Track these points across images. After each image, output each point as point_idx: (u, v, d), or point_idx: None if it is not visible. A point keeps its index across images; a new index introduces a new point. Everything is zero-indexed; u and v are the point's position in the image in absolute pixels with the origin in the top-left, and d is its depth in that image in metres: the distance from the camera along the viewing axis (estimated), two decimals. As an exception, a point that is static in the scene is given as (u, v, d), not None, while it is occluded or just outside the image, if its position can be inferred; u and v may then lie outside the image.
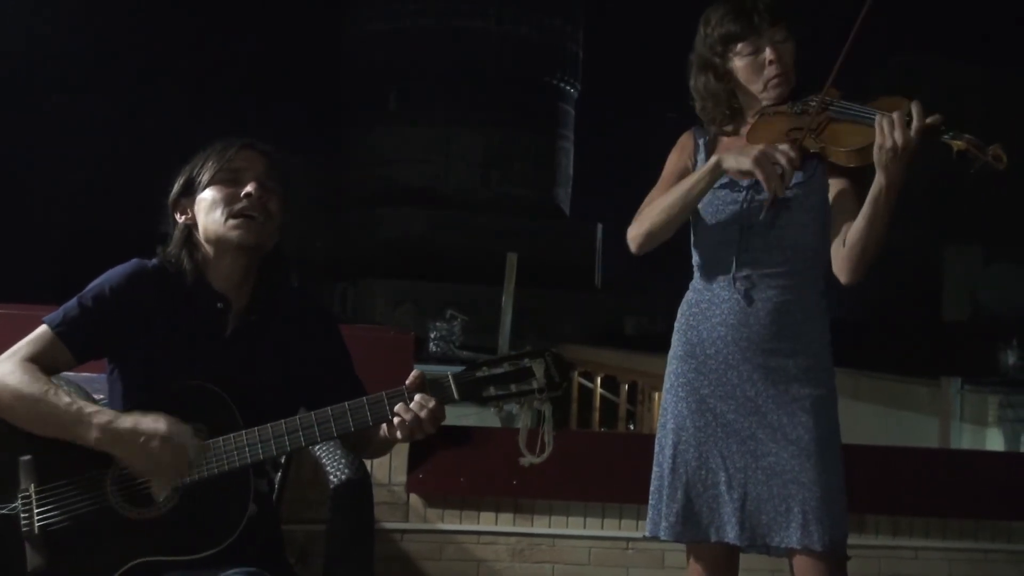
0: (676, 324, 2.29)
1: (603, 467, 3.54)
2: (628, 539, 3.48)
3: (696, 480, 2.19)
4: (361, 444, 2.00)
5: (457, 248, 32.84)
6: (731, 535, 2.15)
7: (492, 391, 1.79)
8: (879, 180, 2.01)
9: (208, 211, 1.92)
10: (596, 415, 23.63)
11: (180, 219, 1.96)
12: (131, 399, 1.90)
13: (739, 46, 2.18)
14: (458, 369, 1.81)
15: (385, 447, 1.99)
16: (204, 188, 1.93)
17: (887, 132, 1.96)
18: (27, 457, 1.78)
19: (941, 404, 12.59)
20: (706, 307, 2.22)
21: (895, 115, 1.97)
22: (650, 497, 2.28)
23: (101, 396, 2.09)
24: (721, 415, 2.18)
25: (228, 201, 1.91)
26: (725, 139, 2.28)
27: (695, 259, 2.29)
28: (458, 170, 35.55)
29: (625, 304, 33.52)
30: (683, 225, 2.28)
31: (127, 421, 1.76)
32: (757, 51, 2.17)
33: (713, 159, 2.15)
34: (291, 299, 2.01)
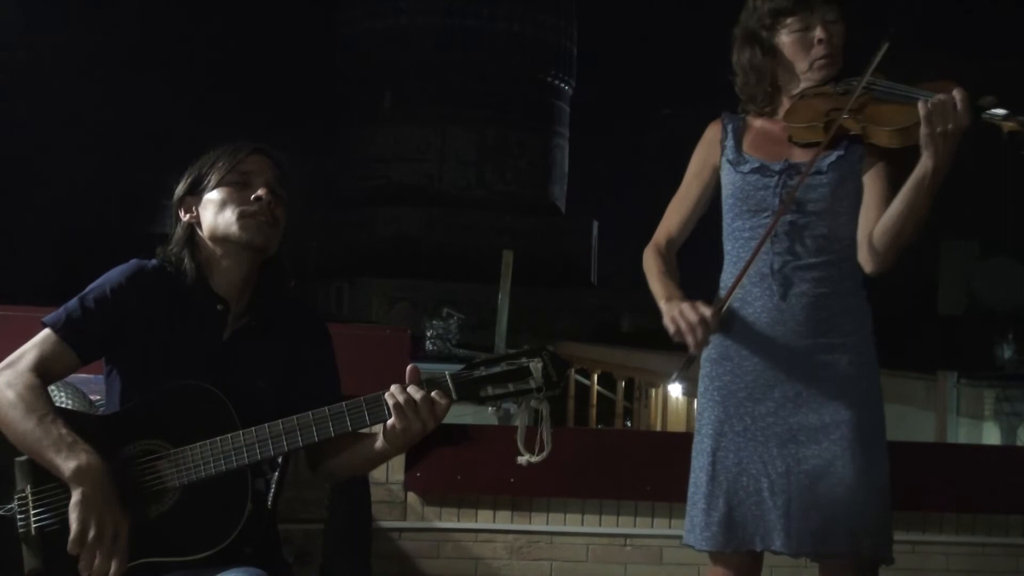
0: None
1: (600, 464, 3.55)
2: (626, 535, 3.49)
3: (737, 487, 2.09)
4: (347, 459, 1.92)
5: (453, 246, 32.80)
6: (777, 543, 2.06)
7: (490, 390, 1.78)
8: (926, 163, 1.92)
9: (217, 211, 1.91)
10: (593, 412, 23.63)
11: (184, 217, 1.95)
12: (129, 400, 1.89)
13: (789, 20, 2.10)
14: (456, 368, 1.80)
15: (374, 458, 1.91)
16: (212, 189, 1.92)
17: (941, 112, 1.88)
18: (23, 458, 1.78)
19: (937, 398, 12.63)
20: (738, 305, 2.12)
21: (955, 93, 1.89)
22: (687, 505, 2.18)
23: (98, 397, 2.09)
24: (760, 418, 2.09)
25: (238, 202, 1.90)
26: (757, 123, 2.20)
27: (726, 249, 2.19)
28: (453, 168, 35.50)
29: (621, 301, 33.48)
30: (679, 222, 2.25)
31: (89, 488, 1.71)
32: (807, 28, 2.09)
33: (663, 303, 2.08)
34: (288, 305, 2.00)
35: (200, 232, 1.94)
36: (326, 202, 34.31)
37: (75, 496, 1.71)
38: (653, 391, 20.68)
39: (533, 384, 1.77)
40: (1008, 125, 1.88)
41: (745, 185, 2.12)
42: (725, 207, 2.18)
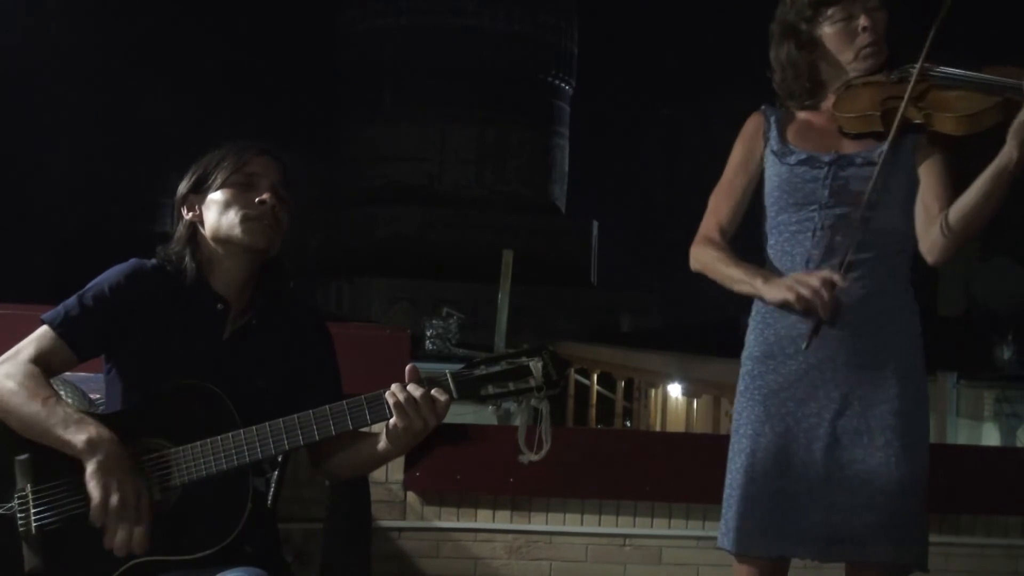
0: (751, 320, 2.13)
1: (600, 464, 3.55)
2: (625, 535, 3.49)
3: (775, 491, 2.02)
4: (349, 458, 1.93)
5: (452, 245, 32.80)
6: (813, 550, 2.01)
7: (490, 389, 1.78)
8: (1009, 152, 1.84)
9: (220, 211, 1.91)
10: (592, 412, 23.64)
11: (187, 215, 1.95)
12: (129, 398, 1.90)
13: (830, 11, 2.04)
14: (456, 367, 1.79)
15: (376, 459, 1.91)
16: (217, 189, 1.92)
17: None
18: (23, 456, 1.77)
19: (937, 399, 12.62)
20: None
21: None
22: (723, 507, 2.11)
23: (98, 396, 2.09)
24: (802, 419, 2.02)
25: (242, 204, 1.90)
26: (801, 115, 2.13)
27: (769, 243, 2.12)
28: (453, 167, 35.50)
29: (621, 301, 33.53)
30: (729, 214, 2.16)
31: (101, 456, 1.72)
32: (850, 17, 2.03)
33: (760, 283, 2.00)
34: (288, 304, 2.00)
35: (202, 230, 1.94)
36: (326, 201, 34.30)
37: (90, 467, 1.71)
38: (653, 391, 20.68)
39: (533, 383, 1.77)
40: None
41: (792, 177, 2.05)
42: (769, 200, 2.11)
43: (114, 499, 1.70)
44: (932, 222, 1.98)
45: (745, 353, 2.12)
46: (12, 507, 1.77)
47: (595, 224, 37.48)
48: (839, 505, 1.98)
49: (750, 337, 2.12)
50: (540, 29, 36.21)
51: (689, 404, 18.49)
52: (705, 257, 2.13)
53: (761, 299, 2.06)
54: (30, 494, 1.77)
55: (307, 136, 36.66)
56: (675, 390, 19.06)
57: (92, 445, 1.72)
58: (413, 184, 35.07)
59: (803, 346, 2.00)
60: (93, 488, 1.71)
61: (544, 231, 34.54)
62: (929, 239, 1.99)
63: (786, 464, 2.02)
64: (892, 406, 1.99)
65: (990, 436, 12.78)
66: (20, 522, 1.76)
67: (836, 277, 1.93)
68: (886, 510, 1.96)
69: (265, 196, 1.91)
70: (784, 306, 1.99)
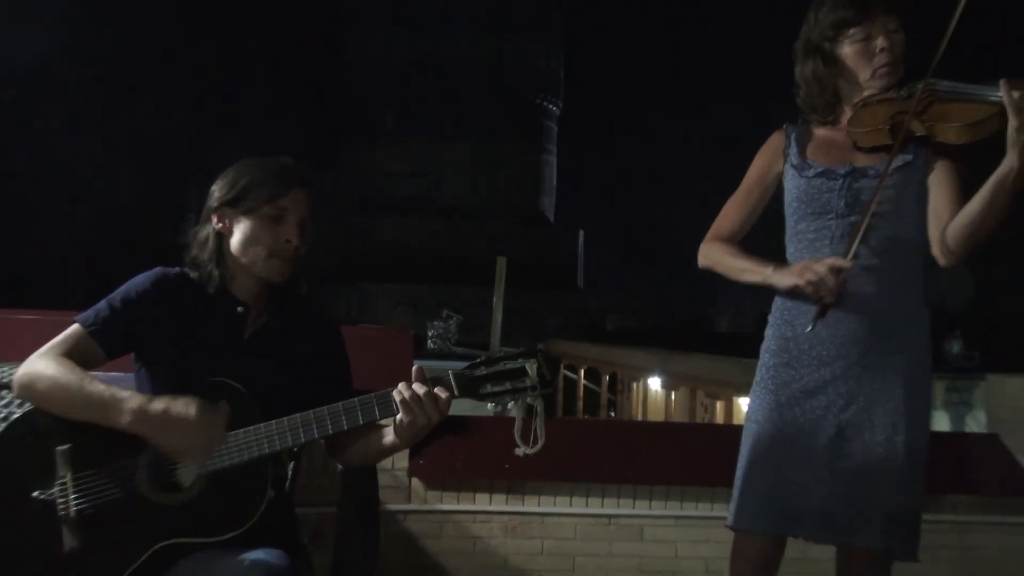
0: (770, 318, 2.10)
1: (586, 451, 3.55)
2: (610, 515, 3.50)
3: (778, 474, 1.98)
4: (362, 449, 1.94)
5: (450, 253, 32.79)
6: (810, 532, 1.98)
7: (489, 388, 1.78)
8: (1009, 161, 1.79)
9: (248, 240, 1.91)
10: (580, 404, 23.63)
11: (216, 224, 1.94)
12: (158, 394, 1.89)
13: (851, 31, 2.00)
14: (459, 367, 1.80)
15: (387, 450, 1.92)
16: (249, 213, 1.91)
17: None
18: (64, 447, 1.78)
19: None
20: (801, 302, 2.01)
21: None
22: (734, 489, 2.06)
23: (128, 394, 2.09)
24: (810, 411, 1.98)
25: (270, 239, 1.90)
26: (819, 132, 2.10)
27: (789, 251, 2.09)
28: (450, 182, 35.51)
29: (605, 303, 33.54)
30: (740, 220, 2.15)
31: (159, 405, 1.75)
32: (869, 37, 2.00)
33: (771, 271, 1.98)
34: (302, 308, 2.01)
35: (228, 241, 1.94)
36: (335, 213, 34.26)
37: (149, 433, 1.74)
38: (634, 384, 20.68)
39: (528, 383, 1.77)
40: None
41: (810, 189, 2.03)
42: (788, 211, 2.08)
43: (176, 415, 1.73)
44: (940, 227, 1.94)
45: (764, 347, 2.09)
46: (53, 493, 1.77)
47: (581, 232, 37.54)
48: (837, 492, 1.94)
49: (769, 332, 2.09)
50: (530, 56, 36.30)
51: (667, 396, 18.49)
52: (714, 253, 2.11)
53: (771, 286, 2.04)
54: (70, 482, 1.77)
55: (317, 154, 36.61)
56: (655, 383, 19.06)
57: (131, 395, 1.76)
58: (414, 197, 35.08)
59: (807, 329, 1.97)
60: (167, 440, 1.74)
61: (534, 239, 34.54)
62: (937, 244, 1.96)
63: (791, 450, 1.99)
64: (897, 406, 1.95)
65: (941, 423, 12.80)
66: (60, 507, 1.76)
67: (843, 262, 1.90)
68: (882, 501, 1.92)
69: (292, 237, 1.91)
70: (795, 292, 1.97)
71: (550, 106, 37.64)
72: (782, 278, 1.98)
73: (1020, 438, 3.68)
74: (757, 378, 2.09)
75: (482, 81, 35.06)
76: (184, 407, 1.75)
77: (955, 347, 15.91)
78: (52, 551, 1.75)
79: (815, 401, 1.99)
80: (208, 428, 1.75)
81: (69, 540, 1.75)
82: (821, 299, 1.94)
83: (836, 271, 1.91)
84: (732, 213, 2.16)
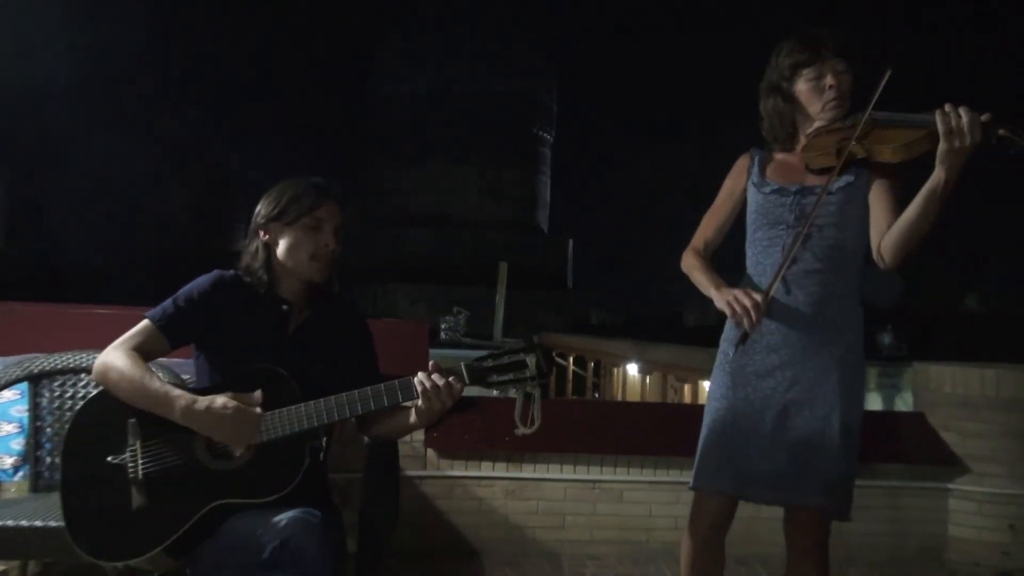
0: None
1: (575, 426, 3.55)
2: (594, 481, 3.49)
3: (731, 444, 2.00)
4: (387, 427, 1.95)
5: (460, 259, 32.81)
6: (759, 495, 1.99)
7: (495, 378, 1.79)
8: (938, 175, 1.78)
9: (292, 248, 1.91)
10: (569, 386, 23.63)
11: (263, 237, 1.94)
12: (214, 378, 1.90)
13: (805, 71, 2.02)
14: (470, 359, 1.80)
15: (408, 429, 1.93)
16: (291, 225, 1.91)
17: (954, 128, 1.74)
18: (133, 419, 1.79)
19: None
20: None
21: (962, 111, 1.73)
22: (696, 456, 2.08)
23: (188, 376, 2.09)
24: (760, 391, 2.00)
25: (311, 247, 1.91)
26: (779, 156, 2.12)
27: (748, 255, 2.09)
28: (461, 199, 35.53)
29: (591, 300, 33.54)
30: (714, 231, 2.15)
31: (202, 404, 1.75)
32: (820, 76, 2.01)
33: (713, 291, 1.98)
34: (336, 305, 2.01)
35: (274, 251, 1.94)
36: (363, 225, 34.29)
37: (195, 426, 1.74)
38: (615, 370, 20.67)
39: (528, 373, 1.78)
40: (1003, 132, 1.74)
41: (766, 203, 2.05)
42: (749, 221, 2.10)
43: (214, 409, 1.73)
44: (879, 236, 1.94)
45: (723, 336, 2.10)
46: (124, 458, 1.78)
47: (571, 241, 37.58)
48: (782, 460, 1.96)
49: (728, 325, 2.09)
50: (528, 92, 36.32)
51: (643, 380, 18.49)
52: (689, 263, 2.13)
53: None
54: (139, 448, 1.78)
55: (349, 176, 36.63)
56: (632, 369, 19.06)
57: (181, 394, 1.76)
58: (430, 212, 35.09)
59: (730, 353, 2.00)
60: (221, 430, 1.75)
61: (531, 247, 34.58)
62: (877, 252, 1.95)
63: (743, 424, 2.00)
64: (833, 388, 1.96)
65: (875, 403, 12.81)
66: (130, 470, 1.77)
67: (762, 303, 1.91)
68: (820, 468, 1.93)
69: (329, 242, 1.91)
70: (725, 311, 1.97)
71: (545, 135, 37.68)
72: (718, 299, 1.99)
73: (941, 416, 3.68)
74: (716, 363, 2.10)
75: (488, 114, 35.12)
76: (222, 407, 1.75)
77: (887, 339, 15.91)
78: (124, 507, 1.76)
79: (764, 383, 2.00)
80: (242, 423, 1.75)
81: (137, 498, 1.76)
82: (740, 325, 1.94)
83: (757, 308, 1.91)
84: (707, 225, 2.18)
